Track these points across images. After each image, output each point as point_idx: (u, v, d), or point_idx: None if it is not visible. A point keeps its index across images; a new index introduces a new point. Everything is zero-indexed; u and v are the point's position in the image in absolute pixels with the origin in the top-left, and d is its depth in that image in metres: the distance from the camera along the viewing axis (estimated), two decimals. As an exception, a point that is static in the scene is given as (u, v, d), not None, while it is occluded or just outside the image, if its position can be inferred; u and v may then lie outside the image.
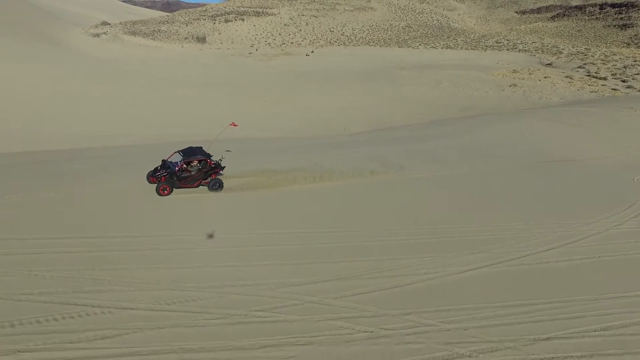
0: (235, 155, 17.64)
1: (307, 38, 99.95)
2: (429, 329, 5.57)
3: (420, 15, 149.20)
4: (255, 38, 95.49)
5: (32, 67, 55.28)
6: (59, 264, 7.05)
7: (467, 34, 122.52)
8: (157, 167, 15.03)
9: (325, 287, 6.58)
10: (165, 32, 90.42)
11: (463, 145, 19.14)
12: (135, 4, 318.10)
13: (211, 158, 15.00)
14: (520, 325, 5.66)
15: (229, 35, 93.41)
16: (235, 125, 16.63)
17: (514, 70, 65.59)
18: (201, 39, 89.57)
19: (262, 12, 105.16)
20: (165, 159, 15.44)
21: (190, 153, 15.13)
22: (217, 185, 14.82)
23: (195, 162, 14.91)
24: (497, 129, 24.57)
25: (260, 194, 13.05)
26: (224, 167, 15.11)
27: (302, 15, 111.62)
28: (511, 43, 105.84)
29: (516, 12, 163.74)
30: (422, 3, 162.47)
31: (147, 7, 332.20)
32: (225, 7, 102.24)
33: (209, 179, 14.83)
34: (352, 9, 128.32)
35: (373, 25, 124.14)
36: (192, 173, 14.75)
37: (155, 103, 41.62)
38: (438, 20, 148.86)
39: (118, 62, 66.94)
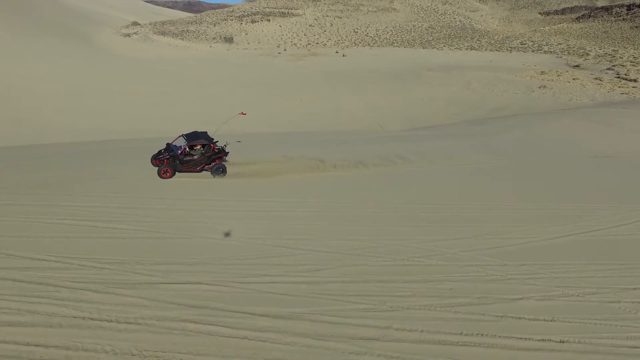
0: (277, 148, 18.70)
1: (332, 39, 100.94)
2: (542, 276, 7.35)
3: (443, 17, 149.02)
4: (282, 38, 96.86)
5: (68, 65, 57.44)
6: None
7: (490, 36, 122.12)
8: (161, 150, 15.46)
9: (458, 244, 8.59)
10: (194, 32, 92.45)
11: (512, 141, 19.98)
12: (157, 4, 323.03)
13: (215, 143, 15.33)
14: (610, 278, 6.94)
15: (256, 36, 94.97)
16: (244, 114, 17.13)
17: (541, 72, 65.60)
18: (229, 39, 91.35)
19: (288, 12, 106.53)
20: (170, 142, 15.96)
21: (193, 137, 15.46)
22: (221, 171, 15.01)
23: (199, 147, 15.21)
24: (537, 128, 25.24)
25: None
26: (228, 152, 15.46)
27: (327, 16, 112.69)
28: (536, 44, 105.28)
29: (540, 13, 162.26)
30: (445, 4, 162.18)
31: (168, 7, 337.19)
32: (251, 8, 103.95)
33: (212, 164, 15.16)
34: (376, 9, 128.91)
35: (396, 26, 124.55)
36: (195, 157, 15.10)
37: (187, 101, 43.09)
38: (461, 21, 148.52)
39: (149, 62, 68.93)
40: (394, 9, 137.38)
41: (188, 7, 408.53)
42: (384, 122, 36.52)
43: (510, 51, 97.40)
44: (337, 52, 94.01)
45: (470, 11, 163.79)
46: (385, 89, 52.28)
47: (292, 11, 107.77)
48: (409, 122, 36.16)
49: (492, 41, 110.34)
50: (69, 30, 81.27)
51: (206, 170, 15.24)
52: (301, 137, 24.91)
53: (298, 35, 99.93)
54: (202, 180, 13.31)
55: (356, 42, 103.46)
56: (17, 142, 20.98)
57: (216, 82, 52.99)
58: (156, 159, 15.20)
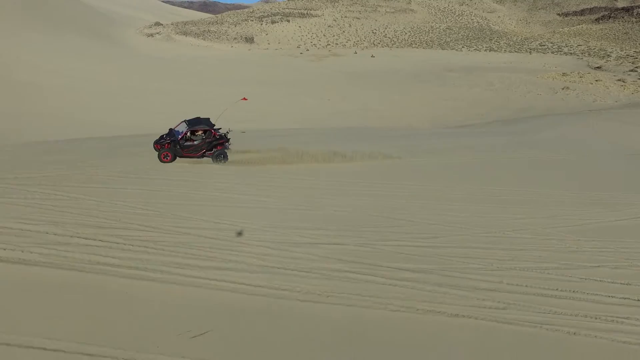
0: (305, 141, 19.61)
1: (350, 39, 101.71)
2: (612, 250, 8.61)
3: (460, 18, 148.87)
4: (301, 39, 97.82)
5: (97, 64, 59.03)
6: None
7: (509, 37, 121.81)
8: (164, 134, 15.78)
9: (535, 222, 9.98)
10: (215, 32, 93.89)
11: (552, 139, 20.61)
12: (173, 4, 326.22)
13: (217, 130, 15.52)
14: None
15: (276, 36, 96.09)
16: (245, 100, 17.53)
17: (563, 74, 65.58)
18: (249, 40, 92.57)
19: (307, 13, 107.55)
20: (173, 127, 16.31)
21: (195, 123, 15.69)
22: (222, 157, 15.30)
23: (200, 132, 15.46)
24: (571, 128, 25.75)
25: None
26: (230, 139, 15.65)
27: (345, 17, 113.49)
28: (555, 46, 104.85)
29: (558, 14, 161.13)
30: (462, 5, 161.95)
31: (184, 7, 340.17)
32: (271, 9, 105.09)
33: (213, 150, 15.34)
34: (393, 10, 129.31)
35: (414, 27, 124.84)
36: (196, 143, 15.30)
37: (219, 99, 44.14)
38: (478, 22, 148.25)
39: (173, 61, 70.40)
40: (412, 10, 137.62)
41: (204, 7, 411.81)
42: (411, 122, 37.18)
43: (530, 52, 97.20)
44: (355, 52, 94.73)
45: (488, 12, 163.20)
46: (409, 90, 52.88)
47: (311, 12, 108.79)
48: (436, 122, 36.78)
49: (511, 42, 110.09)
50: (95, 30, 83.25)
51: (207, 156, 15.50)
52: (346, 131, 25.66)
53: (317, 36, 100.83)
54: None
55: (375, 42, 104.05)
56: (81, 135, 22.15)
57: (243, 82, 54.09)
58: (157, 144, 15.48)
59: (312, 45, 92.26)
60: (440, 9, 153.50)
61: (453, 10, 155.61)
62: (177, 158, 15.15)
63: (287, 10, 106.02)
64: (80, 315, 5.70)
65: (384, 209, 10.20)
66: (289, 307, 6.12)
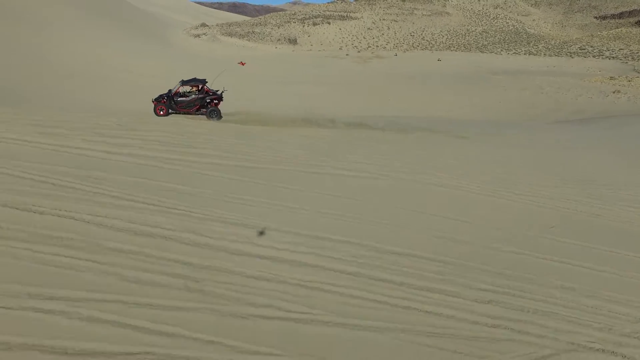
0: None
1: (390, 42, 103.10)
2: None
3: (495, 21, 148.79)
4: (342, 41, 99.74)
5: (158, 64, 62.24)
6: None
7: (547, 40, 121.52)
8: (163, 94, 17.67)
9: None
10: (259, 33, 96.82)
11: (631, 134, 22.09)
12: (203, 4, 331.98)
13: (209, 87, 17.51)
14: None
15: (318, 38, 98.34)
16: (243, 64, 19.92)
17: (611, 77, 65.95)
18: (292, 41, 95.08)
19: (347, 16, 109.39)
20: (171, 89, 18.11)
21: (190, 81, 17.71)
22: (215, 114, 17.06)
23: (194, 89, 17.24)
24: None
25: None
26: (222, 97, 17.60)
27: (383, 19, 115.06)
28: (596, 50, 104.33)
29: (595, 17, 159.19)
30: (496, 8, 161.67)
31: (214, 8, 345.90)
32: (312, 11, 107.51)
33: (207, 107, 17.23)
34: (430, 13, 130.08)
35: (450, 30, 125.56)
36: (189, 98, 17.10)
37: (283, 98, 46.50)
38: (514, 25, 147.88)
39: (227, 61, 73.36)
40: (447, 13, 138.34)
41: (233, 9, 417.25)
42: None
43: (571, 56, 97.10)
44: (395, 55, 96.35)
45: (522, 15, 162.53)
46: (462, 91, 54.33)
47: (351, 14, 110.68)
48: (502, 121, 38.24)
49: (549, 46, 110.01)
50: (149, 32, 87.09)
51: (202, 113, 17.32)
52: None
53: (357, 38, 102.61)
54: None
55: (414, 45, 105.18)
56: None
57: (298, 81, 56.43)
58: (155, 100, 17.34)
59: (353, 47, 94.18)
60: (475, 12, 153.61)
61: (488, 14, 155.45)
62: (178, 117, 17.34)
63: (327, 12, 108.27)
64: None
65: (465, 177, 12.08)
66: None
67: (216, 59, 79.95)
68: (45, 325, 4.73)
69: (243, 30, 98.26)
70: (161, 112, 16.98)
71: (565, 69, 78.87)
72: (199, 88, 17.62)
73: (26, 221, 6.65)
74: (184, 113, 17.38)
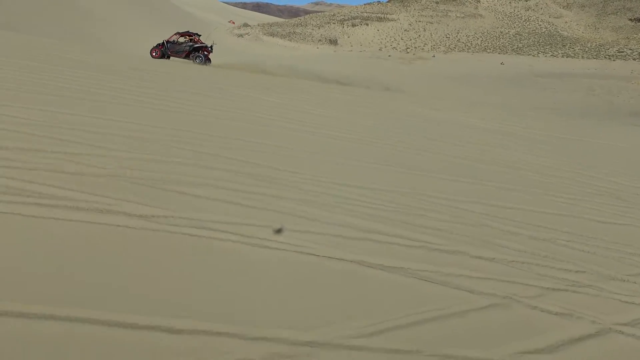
0: None
1: (427, 43, 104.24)
2: None
3: (527, 23, 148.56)
4: (381, 42, 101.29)
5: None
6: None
7: (583, 43, 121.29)
8: (159, 42, 21.81)
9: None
10: (300, 34, 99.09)
11: None
12: (228, 4, 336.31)
13: (200, 38, 21.63)
14: None
15: (357, 39, 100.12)
16: (233, 23, 24.68)
17: (658, 81, 66.36)
18: (333, 41, 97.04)
19: (384, 17, 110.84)
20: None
21: (185, 32, 21.83)
22: (200, 59, 20.85)
23: (187, 38, 20.88)
24: None
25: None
26: (212, 50, 21.60)
27: (419, 21, 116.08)
28: (635, 52, 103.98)
29: (630, 19, 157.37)
30: (527, 10, 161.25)
31: (239, 7, 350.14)
32: (350, 12, 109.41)
33: (195, 54, 21.16)
34: (463, 15, 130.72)
35: (484, 32, 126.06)
36: (181, 46, 20.99)
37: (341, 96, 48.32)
38: (546, 28, 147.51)
39: (277, 61, 75.72)
40: (480, 15, 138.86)
41: (257, 9, 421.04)
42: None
43: (611, 59, 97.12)
44: (433, 56, 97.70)
45: (554, 17, 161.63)
46: (509, 93, 55.55)
47: (388, 16, 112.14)
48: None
49: (586, 49, 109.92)
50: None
51: (190, 58, 21.10)
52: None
53: (395, 40, 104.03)
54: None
55: (450, 47, 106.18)
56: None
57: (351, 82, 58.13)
58: (154, 48, 21.30)
59: (392, 49, 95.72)
60: (506, 14, 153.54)
61: (519, 16, 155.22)
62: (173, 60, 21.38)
63: (364, 14, 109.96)
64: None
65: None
66: None
67: (258, 56, 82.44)
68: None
69: (284, 30, 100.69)
70: (155, 54, 21.42)
71: (608, 71, 79.25)
72: (193, 38, 22.79)
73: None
74: (175, 56, 21.62)
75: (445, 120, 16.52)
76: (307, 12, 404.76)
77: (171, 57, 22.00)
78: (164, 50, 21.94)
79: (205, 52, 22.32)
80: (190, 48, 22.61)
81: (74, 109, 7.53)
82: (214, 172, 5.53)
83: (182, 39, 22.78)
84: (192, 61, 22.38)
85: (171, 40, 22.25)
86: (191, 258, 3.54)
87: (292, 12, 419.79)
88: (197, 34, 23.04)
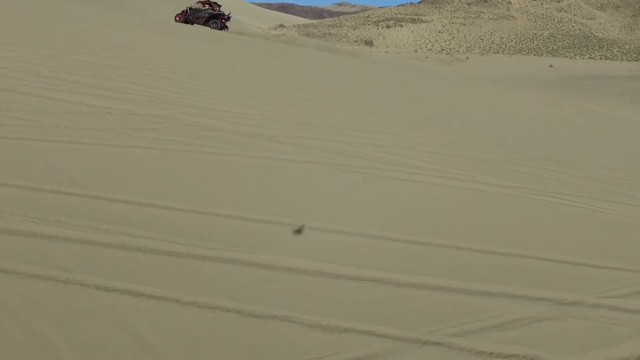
0: None
1: (462, 45, 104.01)
2: None
3: (560, 25, 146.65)
4: (416, 43, 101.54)
5: (249, 58, 66.21)
6: None
7: (620, 45, 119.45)
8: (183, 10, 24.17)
9: None
10: (336, 35, 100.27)
11: None
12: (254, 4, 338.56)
13: (220, 8, 24.11)
14: None
15: (392, 40, 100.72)
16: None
17: None
18: (369, 43, 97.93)
19: (417, 19, 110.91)
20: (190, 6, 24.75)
21: (206, 2, 23.98)
22: (216, 25, 23.31)
23: (206, 6, 23.40)
24: None
25: None
26: (229, 18, 24.06)
27: (452, 23, 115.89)
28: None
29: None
30: (560, 12, 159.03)
31: (264, 8, 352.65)
32: (384, 14, 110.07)
33: (213, 21, 23.47)
34: (496, 17, 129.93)
35: (518, 34, 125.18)
36: (201, 13, 23.23)
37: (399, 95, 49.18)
38: (580, 29, 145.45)
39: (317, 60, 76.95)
40: (512, 17, 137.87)
41: (282, 9, 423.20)
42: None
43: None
44: (467, 57, 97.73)
45: (588, 19, 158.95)
46: (563, 96, 55.56)
47: (422, 17, 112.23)
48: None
49: (624, 51, 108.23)
50: (234, 28, 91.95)
51: (209, 25, 23.35)
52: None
53: (430, 41, 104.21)
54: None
55: (485, 49, 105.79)
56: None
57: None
58: (178, 15, 23.73)
59: (427, 50, 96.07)
60: (538, 16, 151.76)
61: (552, 17, 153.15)
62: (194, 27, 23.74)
63: (399, 15, 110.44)
64: None
65: None
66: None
67: (294, 56, 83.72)
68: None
69: (319, 31, 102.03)
70: (178, 19, 23.75)
71: (650, 74, 78.14)
72: (212, 7, 25.15)
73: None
74: (196, 23, 23.77)
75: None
76: (331, 13, 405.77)
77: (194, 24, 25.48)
78: (186, 17, 25.10)
79: (223, 20, 25.87)
80: (209, 15, 25.91)
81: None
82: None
83: (203, 7, 26.09)
84: (210, 27, 26.12)
85: (194, 7, 25.46)
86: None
87: (317, 13, 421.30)
88: (216, 3, 26.37)
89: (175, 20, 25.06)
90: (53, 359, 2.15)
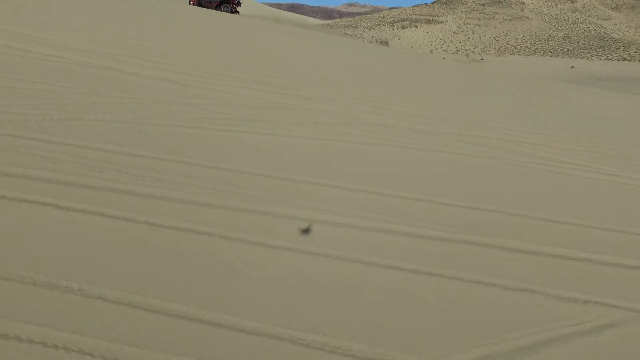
0: None
1: (477, 46, 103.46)
2: None
3: (575, 25, 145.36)
4: (432, 44, 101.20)
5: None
6: None
7: (637, 46, 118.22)
8: None
9: None
10: (352, 35, 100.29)
11: None
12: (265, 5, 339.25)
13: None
14: None
15: (408, 41, 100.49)
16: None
17: None
18: (384, 43, 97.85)
19: (432, 20, 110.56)
20: None
21: None
22: (227, 9, 24.23)
23: None
24: None
25: None
26: (239, 3, 25.30)
27: (467, 24, 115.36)
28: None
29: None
30: (574, 12, 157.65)
31: (274, 8, 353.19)
32: (399, 14, 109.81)
33: (225, 5, 24.40)
34: (510, 18, 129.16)
35: (532, 35, 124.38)
36: None
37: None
38: (595, 30, 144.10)
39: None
40: (527, 17, 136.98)
41: (292, 9, 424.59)
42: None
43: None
44: (482, 59, 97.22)
45: (603, 19, 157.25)
46: (585, 98, 55.03)
47: (436, 18, 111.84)
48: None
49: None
50: (252, 26, 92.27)
51: (221, 9, 23.96)
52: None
53: (445, 42, 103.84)
54: None
55: (500, 49, 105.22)
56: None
57: (430, 85, 58.84)
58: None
59: (442, 51, 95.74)
60: (553, 16, 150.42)
61: (566, 18, 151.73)
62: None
63: (414, 16, 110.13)
64: None
65: None
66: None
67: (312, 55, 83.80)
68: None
69: (335, 32, 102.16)
70: (191, 3, 24.24)
71: (671, 75, 77.06)
72: None
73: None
74: (208, 7, 24.41)
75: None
76: (341, 13, 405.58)
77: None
78: (200, 0, 26.08)
79: (233, 5, 27.04)
80: (222, 1, 27.18)
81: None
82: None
83: None
84: (222, 10, 27.10)
85: None
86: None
87: (326, 13, 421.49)
88: None
89: (189, 4, 26.34)
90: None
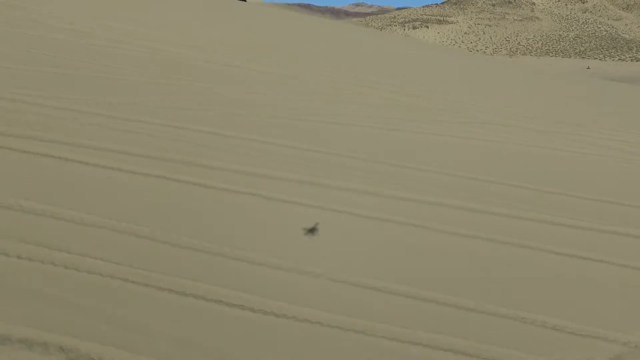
0: None
1: (489, 46, 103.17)
2: None
3: (586, 25, 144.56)
4: (442, 44, 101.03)
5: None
6: None
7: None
8: None
9: None
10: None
11: None
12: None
13: None
14: None
15: (419, 41, 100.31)
16: None
17: None
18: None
19: (443, 20, 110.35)
20: None
21: None
22: None
23: None
24: None
25: None
26: None
27: (478, 24, 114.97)
28: None
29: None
30: (585, 13, 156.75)
31: (282, 9, 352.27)
32: (410, 15, 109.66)
33: None
34: (521, 18, 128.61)
35: (543, 35, 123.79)
36: None
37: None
38: (606, 30, 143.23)
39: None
40: (537, 18, 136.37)
41: (300, 9, 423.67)
42: None
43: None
44: (493, 58, 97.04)
45: (614, 20, 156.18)
46: (605, 99, 54.81)
47: (447, 19, 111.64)
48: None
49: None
50: (270, 24, 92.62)
51: None
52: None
53: (456, 42, 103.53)
54: None
55: (512, 50, 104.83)
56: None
57: (446, 81, 58.84)
58: None
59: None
60: (563, 17, 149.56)
61: (577, 18, 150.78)
62: None
63: (424, 16, 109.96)
64: None
65: None
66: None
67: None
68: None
69: (375, 29, 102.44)
70: None
71: (686, 77, 76.50)
72: None
73: None
74: None
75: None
76: (348, 13, 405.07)
77: None
78: None
79: None
80: None
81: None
82: None
83: None
84: None
85: None
86: None
87: (334, 13, 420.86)
88: None
89: None
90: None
